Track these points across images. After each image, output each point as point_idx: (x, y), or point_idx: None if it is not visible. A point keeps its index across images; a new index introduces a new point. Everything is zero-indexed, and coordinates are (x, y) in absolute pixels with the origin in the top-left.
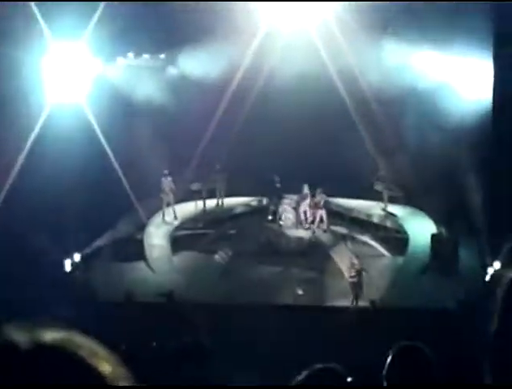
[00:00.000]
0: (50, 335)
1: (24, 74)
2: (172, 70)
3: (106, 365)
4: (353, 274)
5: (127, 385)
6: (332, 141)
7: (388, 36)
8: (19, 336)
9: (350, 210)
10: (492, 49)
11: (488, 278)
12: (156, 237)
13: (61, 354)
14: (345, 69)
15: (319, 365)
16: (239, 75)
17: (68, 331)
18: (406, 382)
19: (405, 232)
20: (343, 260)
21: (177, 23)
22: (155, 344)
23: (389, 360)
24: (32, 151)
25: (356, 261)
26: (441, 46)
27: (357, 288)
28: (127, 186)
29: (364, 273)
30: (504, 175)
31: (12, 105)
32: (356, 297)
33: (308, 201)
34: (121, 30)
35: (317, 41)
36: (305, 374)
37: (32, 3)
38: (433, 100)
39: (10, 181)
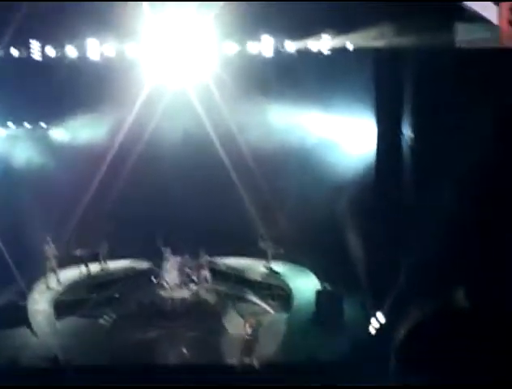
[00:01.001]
0: None
1: None
2: (52, 137)
3: None
4: (249, 332)
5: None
6: (215, 201)
7: (270, 96)
8: None
9: (234, 269)
10: (374, 105)
11: (372, 330)
12: (40, 302)
13: None
14: (226, 130)
15: None
16: (121, 139)
17: None
18: None
19: (289, 289)
20: (229, 318)
21: (57, 89)
22: None
23: None
24: None
25: (253, 319)
26: (322, 105)
27: (252, 345)
28: (8, 254)
29: (260, 331)
30: (384, 227)
31: None
32: (249, 354)
33: (191, 261)
34: (1, 99)
35: (199, 103)
36: None
37: None
38: (315, 157)
39: None
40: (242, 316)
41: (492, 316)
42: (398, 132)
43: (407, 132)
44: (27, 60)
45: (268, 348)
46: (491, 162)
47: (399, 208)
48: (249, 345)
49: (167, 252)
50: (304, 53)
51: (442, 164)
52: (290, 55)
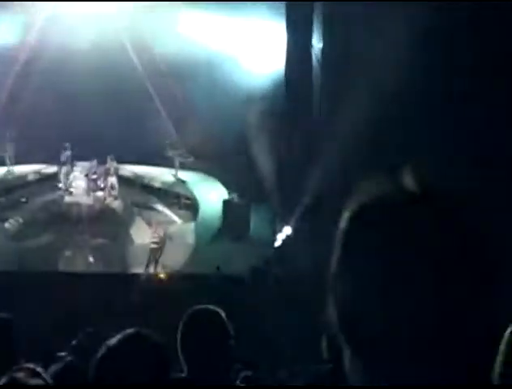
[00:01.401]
0: None
1: None
2: None
3: None
4: (156, 240)
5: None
6: (124, 108)
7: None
8: None
9: (141, 177)
10: (284, 11)
11: (278, 243)
12: None
13: None
14: (137, 36)
15: (130, 330)
16: (32, 43)
17: None
18: (200, 344)
19: (195, 199)
20: (135, 226)
21: None
22: None
23: (182, 322)
24: None
25: (160, 228)
26: (233, 10)
27: (157, 254)
28: None
29: (167, 240)
30: (296, 142)
31: None
32: (154, 263)
33: (98, 168)
34: None
35: (113, 12)
36: (115, 339)
37: None
38: (226, 67)
39: None
40: (149, 224)
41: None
42: (309, 43)
43: (316, 44)
44: None
45: (174, 257)
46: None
47: (309, 121)
48: (154, 254)
49: (74, 158)
50: None
51: (352, 79)
52: None
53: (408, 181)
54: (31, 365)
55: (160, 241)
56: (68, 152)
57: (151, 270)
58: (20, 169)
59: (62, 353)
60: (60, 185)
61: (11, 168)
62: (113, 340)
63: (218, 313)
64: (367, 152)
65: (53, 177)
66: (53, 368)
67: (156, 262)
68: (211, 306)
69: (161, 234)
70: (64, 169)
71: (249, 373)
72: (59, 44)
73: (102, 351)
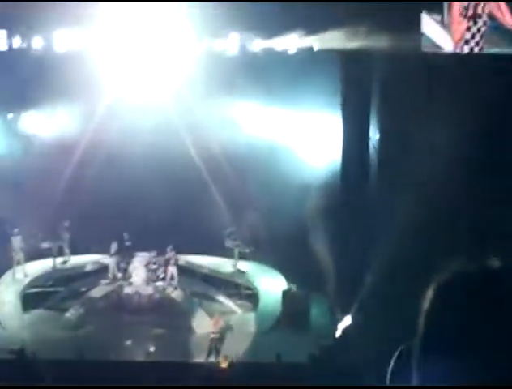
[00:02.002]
0: None
1: None
2: (19, 129)
3: None
4: (216, 330)
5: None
6: (183, 198)
7: (237, 95)
8: None
9: (201, 267)
10: (340, 106)
11: (338, 333)
12: (7, 294)
13: None
14: (195, 128)
15: None
16: (90, 133)
17: None
18: None
19: (255, 289)
20: (196, 316)
21: (24, 84)
22: None
23: None
24: None
25: (220, 318)
26: (289, 103)
27: (217, 344)
28: None
29: (228, 330)
30: (352, 232)
31: None
32: (215, 352)
33: (158, 258)
34: None
35: (168, 100)
36: None
37: None
38: (283, 158)
39: None
40: (209, 315)
41: None
42: (365, 134)
43: (373, 135)
44: None
45: (235, 347)
46: (460, 163)
47: (367, 211)
48: (215, 344)
49: (134, 248)
50: (270, 52)
51: (408, 168)
52: (257, 54)
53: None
54: None
55: (220, 331)
56: (128, 242)
57: (212, 359)
58: (80, 259)
59: None
60: (119, 275)
61: (71, 257)
62: None
63: None
64: (425, 241)
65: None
66: None
67: (217, 351)
68: None
69: (222, 324)
70: (124, 259)
71: None
72: (117, 133)
73: None
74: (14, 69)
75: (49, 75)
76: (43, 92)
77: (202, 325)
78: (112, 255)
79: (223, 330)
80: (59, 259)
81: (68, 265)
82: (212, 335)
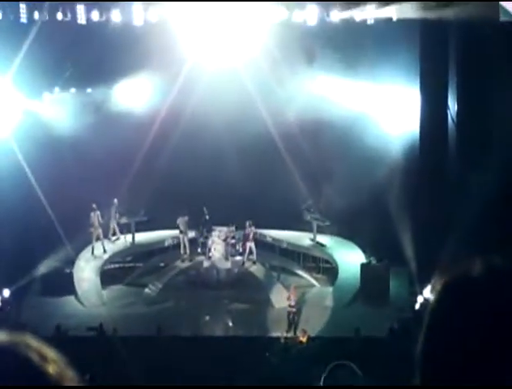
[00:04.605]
0: (1, 336)
1: None
2: (99, 105)
3: (54, 367)
4: (293, 304)
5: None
6: (262, 173)
7: (314, 66)
8: None
9: (279, 241)
10: (419, 79)
11: (417, 306)
12: (86, 271)
13: (12, 355)
14: (271, 101)
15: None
16: (166, 109)
17: (19, 334)
18: None
19: (334, 262)
20: (274, 290)
21: (103, 57)
22: (88, 376)
23: (323, 377)
24: None
25: (295, 291)
26: (367, 74)
27: (294, 318)
28: (56, 221)
29: (305, 304)
30: (432, 203)
31: None
32: (293, 327)
33: (237, 232)
34: (47, 64)
35: (244, 72)
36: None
37: None
38: (360, 129)
39: None
40: (287, 289)
41: None
42: (444, 105)
43: (452, 105)
44: (71, 24)
45: (312, 320)
46: None
47: (445, 183)
48: (292, 317)
49: (213, 222)
50: (349, 23)
51: (487, 140)
52: (335, 24)
53: None
54: None
55: (295, 305)
56: (207, 217)
57: (291, 333)
58: (158, 234)
59: None
60: (199, 249)
61: (149, 233)
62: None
63: (353, 368)
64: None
65: (192, 242)
66: None
67: (296, 325)
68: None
69: (297, 297)
70: (203, 234)
71: None
72: (196, 107)
73: None
74: (93, 42)
75: (127, 48)
76: (121, 66)
77: (281, 299)
78: (182, 232)
79: (297, 303)
80: (138, 235)
81: (147, 240)
82: (289, 309)
